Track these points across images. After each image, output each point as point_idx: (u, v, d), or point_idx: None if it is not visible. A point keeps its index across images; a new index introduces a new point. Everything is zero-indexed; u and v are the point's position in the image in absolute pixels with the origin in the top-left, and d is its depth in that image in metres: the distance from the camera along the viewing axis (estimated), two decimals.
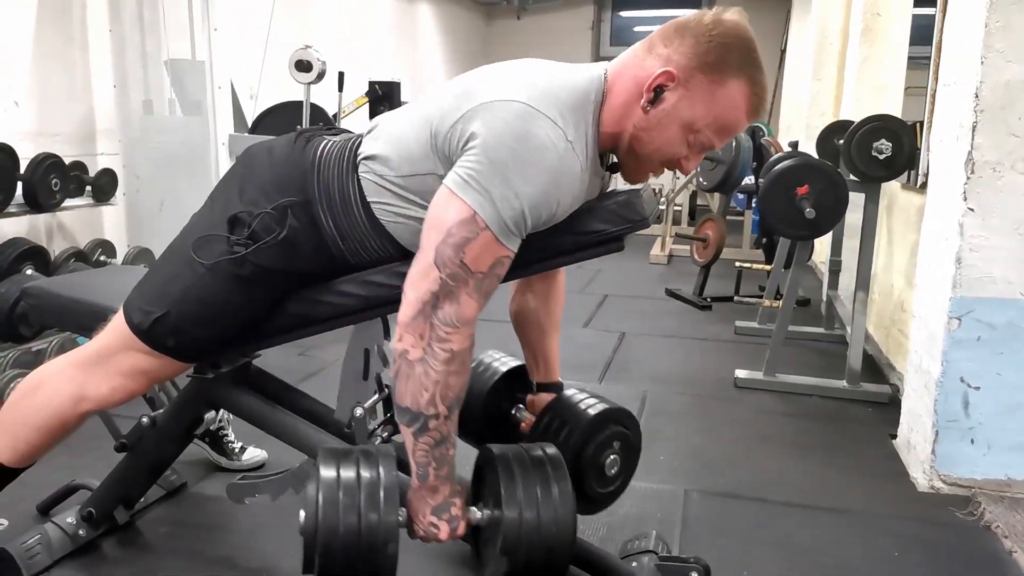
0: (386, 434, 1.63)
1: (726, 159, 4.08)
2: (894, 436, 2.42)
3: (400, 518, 1.24)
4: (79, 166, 3.15)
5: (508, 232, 1.17)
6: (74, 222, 3.41)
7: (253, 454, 2.15)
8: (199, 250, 1.32)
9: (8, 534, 1.65)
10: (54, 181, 2.86)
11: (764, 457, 2.34)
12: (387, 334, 1.61)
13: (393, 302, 1.36)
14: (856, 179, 2.85)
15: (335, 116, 4.03)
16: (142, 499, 1.87)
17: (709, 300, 4.23)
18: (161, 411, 1.71)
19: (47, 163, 2.83)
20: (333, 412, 1.60)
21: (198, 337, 1.36)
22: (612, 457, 1.55)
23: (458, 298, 1.17)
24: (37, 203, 2.82)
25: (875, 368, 3.16)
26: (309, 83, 3.29)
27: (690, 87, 1.24)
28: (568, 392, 1.64)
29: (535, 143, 1.16)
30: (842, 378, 2.85)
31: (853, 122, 3.20)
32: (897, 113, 3.10)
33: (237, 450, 2.14)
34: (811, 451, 2.39)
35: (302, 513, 1.20)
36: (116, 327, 1.35)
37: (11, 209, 2.74)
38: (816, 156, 3.43)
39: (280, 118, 3.53)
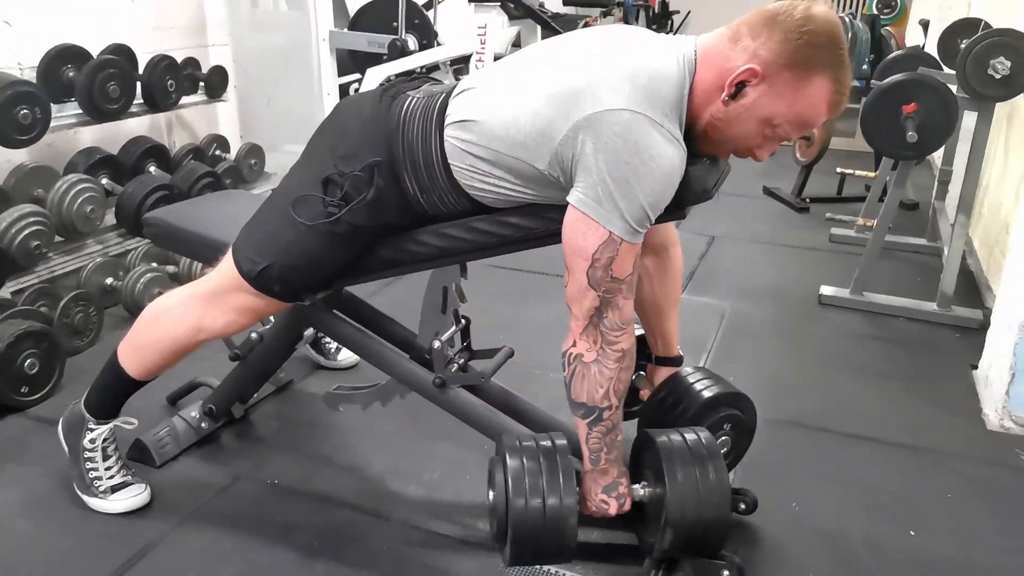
0: (462, 360, 1.78)
1: None
2: (975, 367, 2.40)
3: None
4: (192, 62, 3.30)
5: (637, 233, 1.28)
6: (191, 117, 3.61)
7: (347, 355, 2.36)
8: (298, 209, 1.43)
9: (141, 427, 1.92)
10: (169, 82, 3.03)
11: (836, 383, 2.37)
12: (463, 273, 1.72)
13: (465, 252, 1.49)
14: (968, 96, 2.67)
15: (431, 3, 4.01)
16: (255, 395, 2.13)
17: (808, 201, 4.12)
18: (267, 328, 1.91)
19: (163, 64, 3.00)
20: (416, 337, 1.76)
21: (299, 283, 1.51)
22: (723, 439, 1.67)
23: (617, 304, 1.31)
24: (155, 103, 3.01)
25: (973, 287, 3.05)
26: None
27: (773, 84, 1.26)
28: (686, 370, 1.74)
29: (649, 154, 1.23)
30: (935, 299, 2.79)
31: (982, 22, 2.96)
32: None
33: (333, 351, 2.36)
34: (886, 379, 2.41)
35: (491, 494, 1.41)
36: (228, 270, 1.50)
37: (132, 109, 2.94)
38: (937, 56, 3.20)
39: (377, 14, 3.54)
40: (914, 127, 2.45)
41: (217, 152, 3.45)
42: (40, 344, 2.10)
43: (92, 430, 1.66)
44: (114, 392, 1.66)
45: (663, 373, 1.77)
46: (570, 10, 7.42)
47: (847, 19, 3.77)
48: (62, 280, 2.68)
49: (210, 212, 1.84)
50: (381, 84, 1.53)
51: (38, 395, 2.11)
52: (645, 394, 1.79)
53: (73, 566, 1.57)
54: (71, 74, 2.76)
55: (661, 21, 8.49)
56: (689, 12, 8.78)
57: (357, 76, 3.60)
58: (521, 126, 1.31)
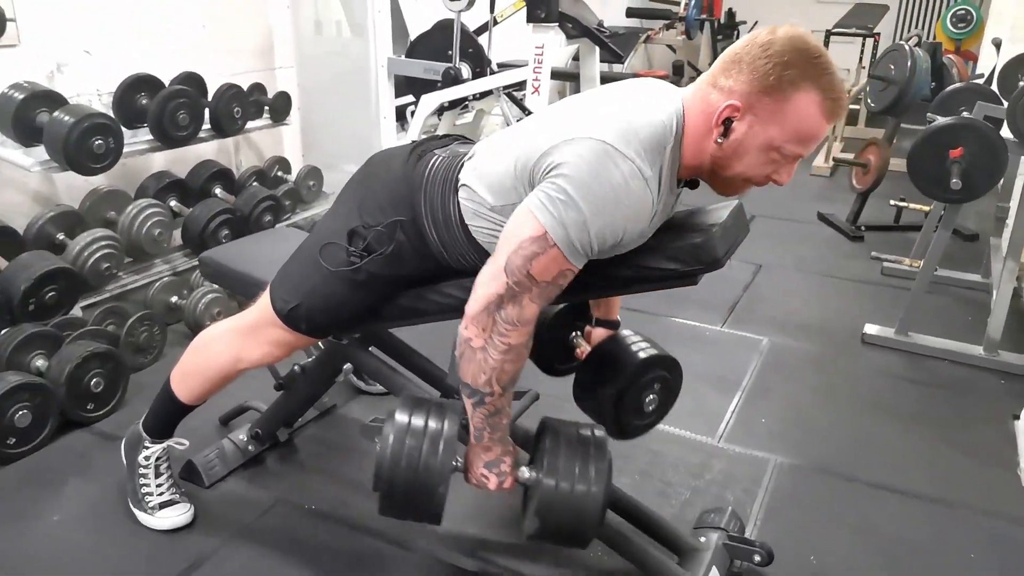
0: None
1: (899, 79, 3.77)
2: (1017, 416, 2.36)
3: (457, 465, 1.47)
4: (258, 88, 3.46)
5: (575, 251, 1.31)
6: (258, 138, 3.78)
7: None
8: (324, 256, 1.54)
9: (195, 445, 2.06)
10: (236, 109, 3.19)
11: (870, 428, 2.37)
12: None
13: None
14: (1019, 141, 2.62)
15: (493, 20, 4.10)
16: (299, 420, 2.25)
17: (863, 230, 4.06)
18: (309, 361, 2.03)
19: (229, 93, 3.16)
20: (446, 376, 1.85)
21: (323, 323, 1.62)
22: (651, 397, 1.74)
23: (520, 302, 1.33)
24: (222, 129, 3.18)
25: None
26: (459, 11, 3.38)
27: (757, 113, 1.30)
28: (623, 332, 1.80)
29: (610, 181, 1.27)
30: (983, 342, 2.75)
31: None
32: None
33: None
34: (922, 425, 2.39)
35: (378, 445, 1.45)
36: (265, 307, 1.63)
37: (200, 135, 3.12)
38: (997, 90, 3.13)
39: (432, 43, 3.65)
40: (959, 173, 2.43)
41: (279, 173, 3.61)
42: (106, 364, 2.27)
43: (147, 448, 1.82)
44: (167, 414, 1.81)
45: (599, 334, 1.82)
46: (633, 22, 7.42)
47: (907, 47, 3.70)
48: (131, 295, 2.87)
49: (258, 252, 1.96)
50: (412, 142, 1.63)
51: (102, 411, 2.28)
52: (581, 353, 1.83)
53: None
54: (144, 102, 2.94)
55: (726, 32, 8.39)
56: (756, 22, 8.65)
57: (412, 99, 3.72)
58: (508, 170, 1.39)
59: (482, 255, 1.51)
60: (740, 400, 2.49)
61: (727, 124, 1.31)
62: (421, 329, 1.73)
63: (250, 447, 2.11)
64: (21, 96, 2.59)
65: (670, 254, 1.41)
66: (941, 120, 2.56)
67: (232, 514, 1.92)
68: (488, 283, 1.34)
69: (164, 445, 1.84)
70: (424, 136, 1.61)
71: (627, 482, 2.05)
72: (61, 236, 2.67)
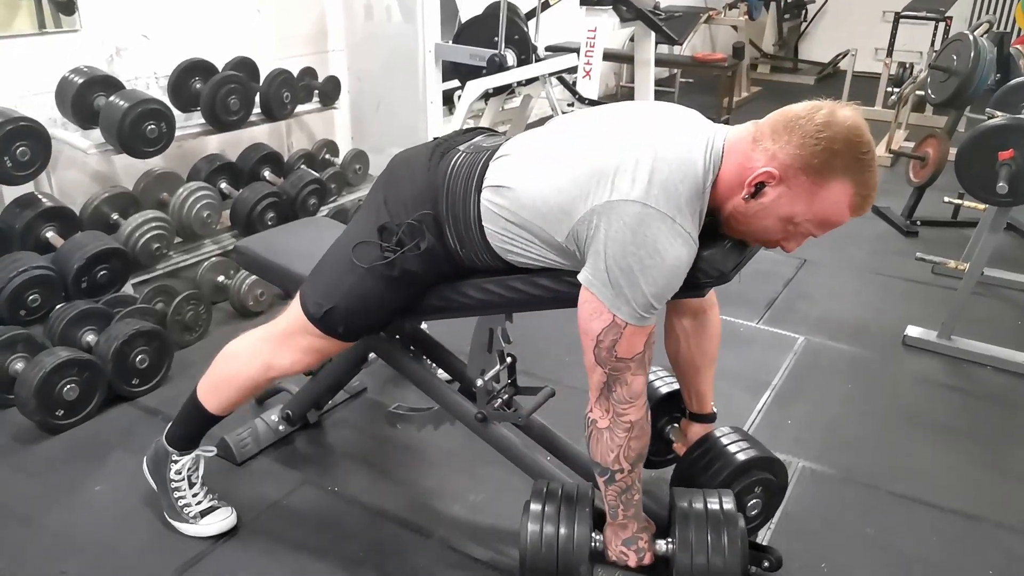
0: (506, 396, 1.89)
1: (961, 70, 3.63)
2: None
3: (597, 544, 1.55)
4: (309, 72, 3.54)
5: (644, 319, 1.35)
6: (310, 120, 3.87)
7: None
8: (357, 255, 1.57)
9: (231, 423, 2.14)
10: (285, 94, 3.27)
11: (901, 437, 2.32)
12: (509, 317, 1.83)
13: (502, 306, 1.61)
14: None
15: (543, 4, 4.08)
16: (329, 402, 2.33)
17: (919, 224, 3.94)
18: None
19: (280, 78, 3.25)
20: (466, 368, 1.89)
21: (360, 324, 1.65)
22: (754, 501, 1.73)
23: (625, 380, 1.40)
24: (272, 113, 3.27)
25: None
26: None
27: (791, 186, 1.32)
28: (721, 430, 1.80)
29: (655, 247, 1.30)
30: None
31: None
32: None
33: None
34: (956, 436, 2.34)
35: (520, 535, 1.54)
36: (296, 313, 1.65)
37: (251, 118, 3.21)
38: None
39: (481, 27, 3.66)
40: (1007, 177, 2.34)
41: (327, 156, 3.69)
42: (151, 342, 2.38)
43: (176, 461, 1.84)
44: (194, 425, 1.84)
45: (696, 430, 1.84)
46: (696, 1, 7.27)
47: (970, 36, 3.55)
48: (182, 274, 2.99)
49: (293, 243, 2.02)
50: (435, 139, 1.65)
51: (147, 387, 2.39)
52: (679, 448, 1.86)
53: (155, 551, 1.81)
54: (197, 86, 3.04)
55: (793, 11, 8.15)
56: (825, 2, 8.38)
57: (459, 84, 3.74)
58: (547, 198, 1.39)
59: (494, 257, 1.53)
60: (768, 400, 2.47)
61: (759, 187, 1.33)
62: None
63: (281, 427, 2.20)
64: (80, 80, 2.72)
65: None
66: (992, 120, 2.46)
67: (261, 492, 2.01)
68: (591, 374, 1.43)
69: (193, 455, 1.84)
70: (465, 127, 1.62)
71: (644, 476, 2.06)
72: (115, 216, 2.80)
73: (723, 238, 1.42)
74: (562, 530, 1.51)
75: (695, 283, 1.39)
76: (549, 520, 1.52)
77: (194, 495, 1.85)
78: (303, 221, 2.36)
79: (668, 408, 1.93)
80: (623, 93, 6.77)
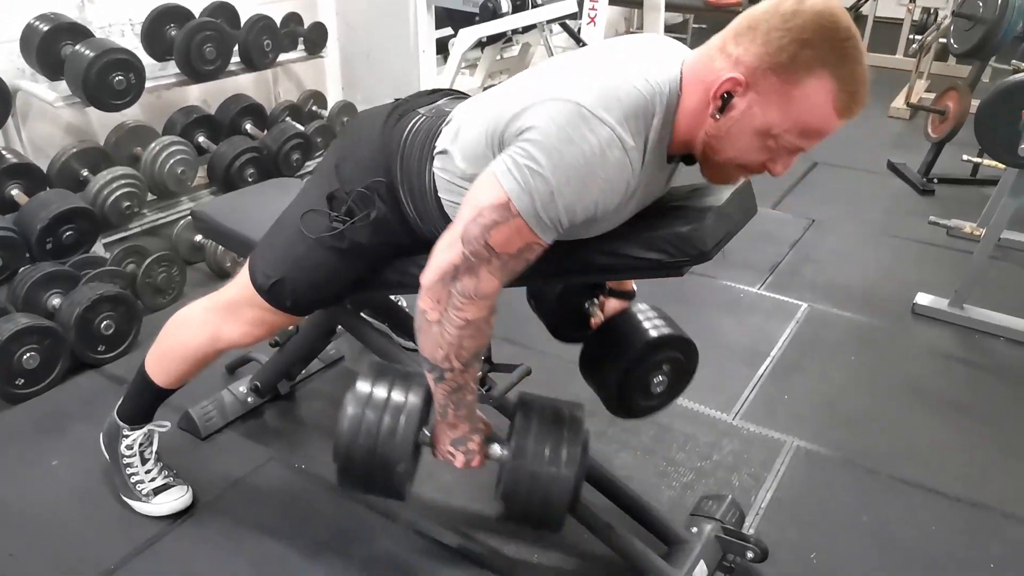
0: (480, 373, 1.77)
1: (987, 17, 3.39)
2: None
3: (423, 438, 1.41)
4: (294, 18, 3.37)
5: (542, 224, 1.17)
6: (299, 70, 3.70)
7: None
8: (306, 223, 1.44)
9: (196, 397, 2.06)
10: (266, 42, 3.10)
11: (906, 414, 2.20)
12: None
13: None
14: None
15: None
16: (303, 372, 2.23)
17: (935, 182, 3.75)
18: (305, 319, 1.97)
19: (260, 24, 3.07)
20: None
21: (309, 298, 1.53)
22: (660, 379, 1.63)
23: (478, 274, 1.21)
24: (252, 62, 3.10)
25: None
26: None
27: (761, 92, 1.13)
28: (637, 308, 1.69)
29: (584, 148, 1.13)
30: None
31: None
32: None
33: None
34: (963, 414, 2.20)
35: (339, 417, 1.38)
36: (244, 283, 1.54)
37: (231, 68, 3.04)
38: None
39: None
40: None
41: (314, 108, 3.53)
42: (117, 307, 2.27)
43: (127, 436, 1.75)
44: (144, 399, 1.74)
45: (612, 305, 1.72)
46: None
47: None
48: (159, 232, 2.88)
49: (256, 208, 1.87)
50: (395, 100, 1.50)
51: (114, 353, 2.29)
52: (596, 323, 1.74)
53: (109, 532, 1.73)
54: (172, 34, 2.87)
55: None
56: None
57: (452, 32, 3.55)
58: (480, 134, 1.25)
59: None
60: (765, 373, 2.34)
61: (726, 99, 1.15)
62: None
63: (249, 399, 2.10)
64: (46, 28, 2.57)
65: (652, 242, 1.27)
66: (1017, 75, 2.27)
67: (225, 468, 1.92)
68: (444, 251, 1.22)
69: (144, 430, 1.76)
70: (440, 87, 1.47)
71: (628, 459, 1.97)
72: (85, 173, 2.68)
73: (703, 212, 1.28)
74: (385, 419, 1.35)
75: (673, 263, 1.26)
76: (373, 407, 1.36)
77: (147, 472, 1.76)
78: (269, 183, 2.22)
79: (590, 284, 1.78)
80: None
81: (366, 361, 2.31)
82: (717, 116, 1.16)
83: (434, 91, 1.54)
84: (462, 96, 1.54)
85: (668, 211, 1.31)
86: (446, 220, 1.38)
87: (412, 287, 1.55)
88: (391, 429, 1.35)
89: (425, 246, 1.46)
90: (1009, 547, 1.76)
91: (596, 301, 1.76)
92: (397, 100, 1.51)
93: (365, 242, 1.43)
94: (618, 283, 1.74)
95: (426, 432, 1.42)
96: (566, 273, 1.32)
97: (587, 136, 1.13)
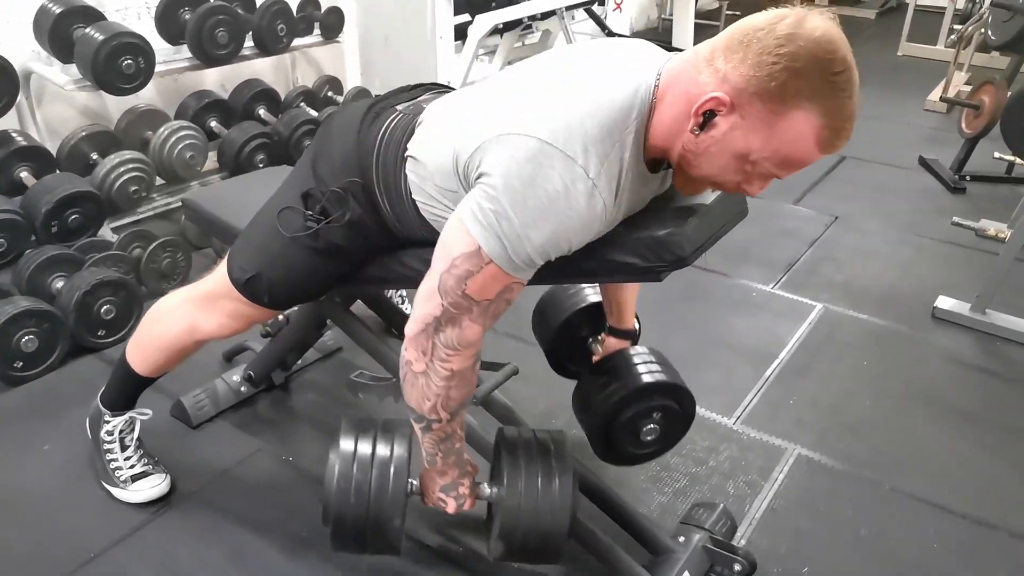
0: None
1: None
2: None
3: (412, 489, 1.40)
4: (311, 2, 3.33)
5: (515, 265, 1.14)
6: (317, 55, 3.67)
7: None
8: (282, 221, 1.41)
9: (195, 380, 2.06)
10: (280, 26, 3.08)
11: (916, 425, 2.11)
12: None
13: None
14: None
15: None
16: (299, 362, 2.21)
17: (968, 179, 3.60)
18: (295, 310, 1.96)
19: (274, 8, 3.04)
20: None
21: (287, 295, 1.51)
22: (650, 426, 1.57)
23: (460, 323, 1.19)
24: (266, 47, 3.08)
25: None
26: None
27: (746, 116, 1.07)
28: (634, 351, 1.64)
29: (544, 188, 1.09)
30: None
31: None
32: None
33: None
34: (977, 426, 2.11)
35: (325, 479, 1.37)
36: (222, 275, 1.52)
37: (244, 52, 3.02)
38: None
39: None
40: None
41: (329, 94, 3.51)
42: (118, 292, 2.28)
43: (108, 422, 1.75)
44: (125, 387, 1.73)
45: (611, 343, 1.69)
46: None
47: None
48: (171, 215, 2.88)
49: (248, 198, 1.83)
50: (375, 96, 1.47)
51: (114, 338, 2.30)
52: (596, 359, 1.71)
53: (92, 519, 1.73)
54: (186, 17, 2.86)
55: None
56: None
57: (470, 19, 3.50)
58: (447, 153, 1.21)
59: (431, 232, 1.36)
60: (771, 376, 2.27)
61: (708, 116, 1.09)
62: None
63: (243, 389, 2.09)
64: (58, 10, 2.56)
65: (630, 246, 1.21)
66: None
67: (213, 458, 1.91)
68: (423, 303, 1.21)
69: (125, 417, 1.75)
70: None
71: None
72: (95, 156, 2.68)
73: (685, 215, 1.22)
74: (374, 476, 1.34)
75: (650, 268, 1.20)
76: (359, 465, 1.35)
77: (126, 458, 1.76)
78: (266, 171, 2.20)
79: (595, 318, 1.78)
80: (664, 27, 6.38)
81: (364, 352, 2.30)
82: (697, 132, 1.11)
83: (416, 86, 1.50)
84: (444, 90, 1.49)
85: (651, 212, 1.26)
86: (423, 222, 1.34)
87: (395, 283, 1.54)
88: (381, 486, 1.35)
89: (405, 246, 1.43)
90: (1015, 570, 1.68)
91: (599, 338, 1.75)
92: (376, 96, 1.47)
93: (341, 243, 1.40)
94: (618, 320, 1.69)
95: (414, 483, 1.41)
96: (542, 279, 1.27)
97: (549, 174, 1.09)
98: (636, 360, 1.60)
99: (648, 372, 1.56)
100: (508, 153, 1.10)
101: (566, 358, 1.84)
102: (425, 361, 1.23)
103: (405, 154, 1.31)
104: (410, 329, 1.23)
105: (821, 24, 1.02)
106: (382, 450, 1.37)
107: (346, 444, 1.37)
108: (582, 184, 1.09)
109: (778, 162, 1.10)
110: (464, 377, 1.25)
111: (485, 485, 1.43)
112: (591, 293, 1.80)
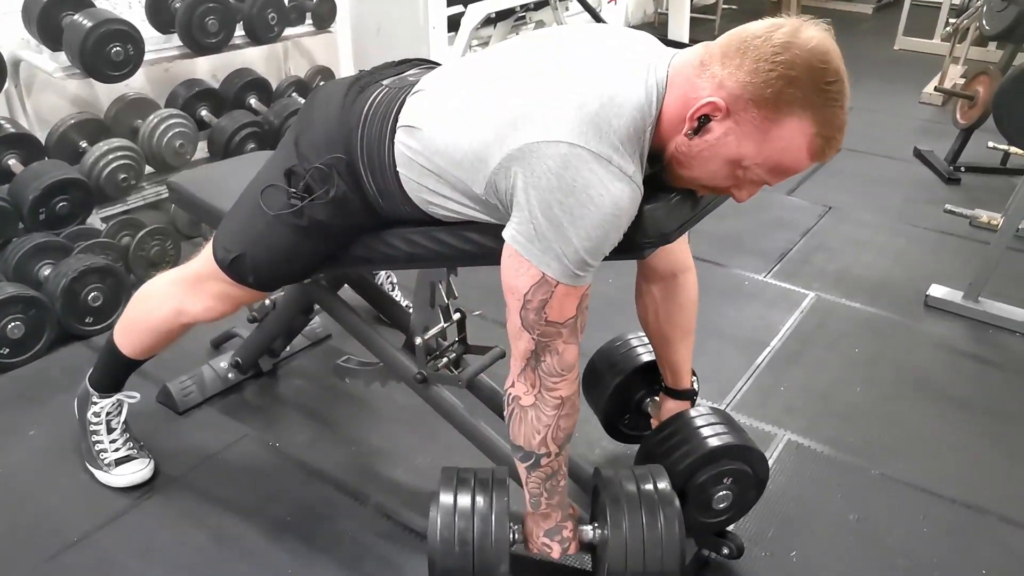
0: (453, 355, 1.73)
1: None
2: None
3: (516, 536, 1.39)
4: None
5: (578, 277, 1.15)
6: (310, 45, 3.66)
7: None
8: (265, 199, 1.40)
9: (184, 366, 2.05)
10: (271, 15, 3.06)
11: (906, 412, 2.10)
12: (453, 271, 1.64)
13: (431, 260, 1.42)
14: None
15: None
16: (288, 348, 2.20)
17: (962, 170, 3.59)
18: (280, 296, 1.94)
19: None
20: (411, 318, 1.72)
21: (272, 275, 1.49)
22: (722, 493, 1.51)
23: (556, 349, 1.21)
24: (257, 36, 3.06)
25: None
26: None
27: (740, 122, 1.08)
28: (698, 410, 1.58)
29: (587, 194, 1.09)
30: None
31: None
32: None
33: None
34: (971, 412, 2.10)
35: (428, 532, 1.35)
36: (208, 257, 1.51)
37: (235, 41, 3.01)
38: None
39: None
40: None
41: (321, 83, 3.49)
42: (105, 279, 2.26)
43: (96, 403, 1.74)
44: (113, 369, 1.72)
45: (670, 407, 1.66)
46: None
47: None
48: (162, 204, 2.87)
49: (232, 181, 1.82)
50: (359, 71, 1.45)
51: (101, 326, 2.29)
52: (655, 423, 1.69)
53: (75, 504, 1.72)
54: (177, 5, 2.85)
55: None
56: None
57: (463, 10, 3.48)
58: (460, 144, 1.20)
59: (416, 211, 1.35)
60: (762, 364, 2.26)
61: (703, 121, 1.10)
62: None
63: (230, 375, 2.08)
64: None
65: None
66: None
67: (199, 444, 1.90)
68: (516, 341, 1.23)
69: (113, 400, 1.75)
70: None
71: (609, 446, 1.90)
72: (84, 144, 2.67)
73: (668, 190, 1.21)
74: (477, 526, 1.32)
75: (634, 244, 1.19)
76: (461, 515, 1.33)
77: (111, 441, 1.75)
78: (250, 155, 2.19)
79: (649, 379, 1.75)
80: (661, 20, 6.36)
81: (354, 342, 2.29)
82: (691, 136, 1.12)
83: (403, 61, 1.49)
84: (432, 65, 1.48)
85: None
86: (405, 196, 1.33)
87: (380, 263, 1.53)
88: (484, 533, 1.32)
89: (389, 225, 1.42)
90: (1004, 553, 1.67)
91: (656, 399, 1.73)
92: (360, 72, 1.45)
93: (325, 220, 1.38)
94: (673, 380, 1.67)
95: (514, 527, 1.40)
96: None
97: (588, 178, 1.09)
98: (699, 423, 1.53)
99: (716, 435, 1.50)
100: (542, 166, 1.09)
101: (619, 421, 1.81)
102: (534, 394, 1.25)
103: (396, 124, 1.29)
104: (513, 366, 1.25)
105: (816, 34, 1.05)
106: (481, 499, 1.35)
107: (446, 497, 1.36)
108: (620, 183, 1.10)
109: (769, 169, 1.12)
110: (573, 404, 1.27)
111: (587, 528, 1.41)
112: (644, 352, 1.76)
